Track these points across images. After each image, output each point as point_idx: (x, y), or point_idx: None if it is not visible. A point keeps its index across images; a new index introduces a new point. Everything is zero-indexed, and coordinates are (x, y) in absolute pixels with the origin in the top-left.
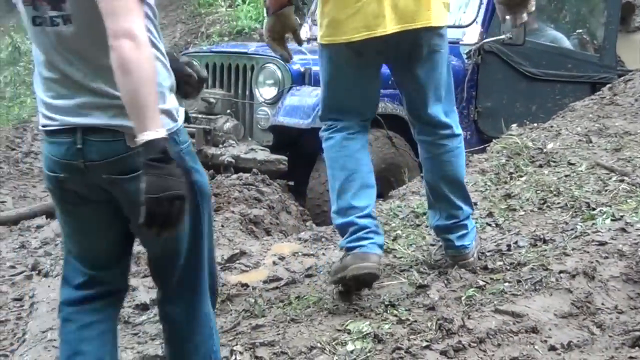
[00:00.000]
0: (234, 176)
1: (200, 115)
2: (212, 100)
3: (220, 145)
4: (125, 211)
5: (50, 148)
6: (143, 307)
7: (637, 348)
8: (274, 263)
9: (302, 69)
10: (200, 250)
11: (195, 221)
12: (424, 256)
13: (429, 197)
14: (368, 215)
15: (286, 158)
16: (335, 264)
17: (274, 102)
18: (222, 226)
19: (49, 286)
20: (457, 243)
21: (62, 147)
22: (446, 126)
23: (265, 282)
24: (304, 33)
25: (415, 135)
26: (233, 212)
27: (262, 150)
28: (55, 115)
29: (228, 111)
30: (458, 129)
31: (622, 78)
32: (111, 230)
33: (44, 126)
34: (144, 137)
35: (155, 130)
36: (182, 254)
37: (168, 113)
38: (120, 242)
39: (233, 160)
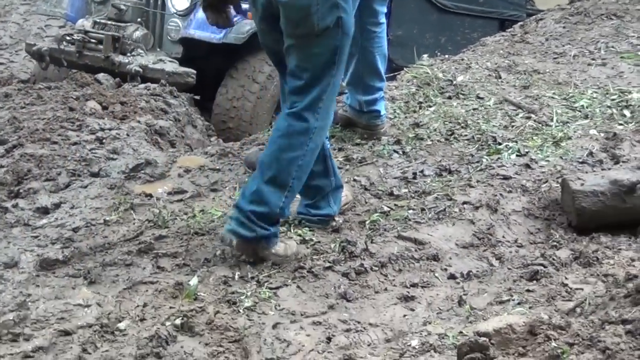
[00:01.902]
0: (142, 86)
1: (109, 22)
2: (122, 7)
3: (129, 54)
4: None
5: None
6: (44, 211)
7: (534, 281)
8: (180, 175)
9: None
10: (333, 78)
11: (333, 52)
12: None
13: None
14: None
15: (194, 71)
16: None
17: (186, 14)
18: (128, 135)
19: None
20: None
21: None
22: None
23: (170, 193)
24: None
25: None
26: (139, 121)
27: (170, 62)
28: None
29: (139, 19)
30: None
31: (533, 17)
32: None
33: None
34: None
35: None
36: (318, 77)
37: None
38: None
39: (140, 70)
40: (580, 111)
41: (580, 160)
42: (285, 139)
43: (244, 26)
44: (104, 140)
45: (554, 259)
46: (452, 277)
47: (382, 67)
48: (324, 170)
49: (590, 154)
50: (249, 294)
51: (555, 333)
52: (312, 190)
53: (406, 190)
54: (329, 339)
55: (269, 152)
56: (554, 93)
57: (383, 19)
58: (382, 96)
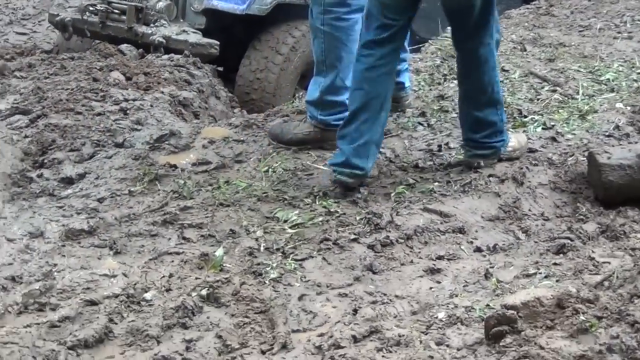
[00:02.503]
0: (165, 57)
1: None
2: None
3: (152, 25)
4: None
5: None
6: (69, 181)
7: (561, 255)
8: (204, 147)
9: None
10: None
11: None
12: None
13: None
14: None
15: (218, 42)
16: (310, 136)
17: None
18: (151, 106)
19: None
20: None
21: None
22: None
23: (194, 164)
24: None
25: None
26: (162, 92)
27: (194, 32)
28: None
29: None
30: None
31: None
32: None
33: None
34: None
35: None
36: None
37: None
38: None
39: (164, 41)
40: (606, 84)
41: (607, 133)
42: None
43: None
44: (127, 111)
45: (580, 233)
46: (478, 250)
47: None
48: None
49: (617, 127)
50: (274, 265)
51: (583, 306)
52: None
53: (431, 162)
54: (355, 311)
55: (479, 81)
56: (579, 66)
57: None
58: (407, 68)
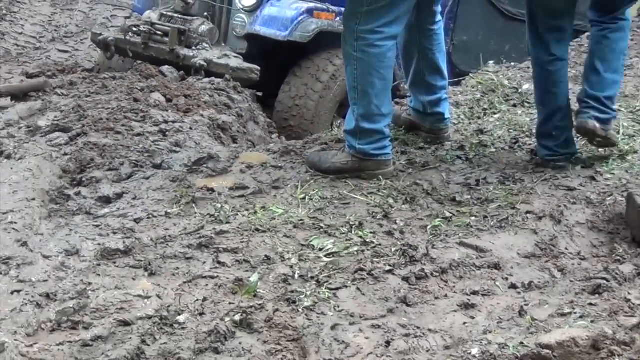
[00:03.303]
0: (206, 80)
1: (176, 15)
2: (190, 0)
3: (194, 48)
4: None
5: None
6: (106, 200)
7: (596, 295)
8: (242, 171)
9: None
10: None
11: None
12: (391, 181)
13: None
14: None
15: (259, 68)
16: (348, 165)
17: (253, 10)
18: (191, 128)
19: (11, 168)
20: None
21: None
22: None
23: (231, 189)
24: None
25: None
26: (202, 115)
27: (235, 57)
28: None
29: (205, 14)
30: None
31: None
32: None
33: None
34: None
35: None
36: None
37: None
38: None
39: (205, 64)
40: None
41: None
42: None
43: (310, 25)
44: (167, 133)
45: (617, 274)
46: (513, 286)
47: (443, 64)
48: None
49: None
50: (308, 293)
51: (619, 349)
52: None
53: (469, 196)
54: (387, 343)
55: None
56: (620, 105)
57: (439, 17)
58: (446, 97)
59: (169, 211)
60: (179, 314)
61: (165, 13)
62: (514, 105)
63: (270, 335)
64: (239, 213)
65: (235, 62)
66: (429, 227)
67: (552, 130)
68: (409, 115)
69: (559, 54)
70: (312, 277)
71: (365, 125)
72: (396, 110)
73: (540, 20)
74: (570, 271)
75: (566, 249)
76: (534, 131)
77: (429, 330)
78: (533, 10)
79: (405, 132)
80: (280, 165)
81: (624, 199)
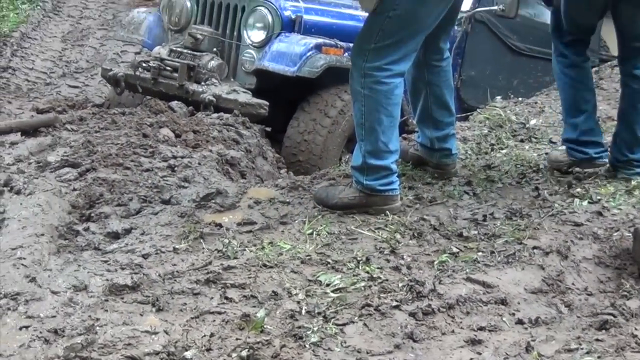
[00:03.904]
0: (215, 115)
1: (185, 51)
2: (199, 36)
3: (203, 83)
4: None
5: None
6: (114, 236)
7: (603, 331)
8: (250, 207)
9: (293, 16)
10: None
11: None
12: (398, 216)
13: None
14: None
15: (267, 103)
16: (355, 201)
17: (262, 46)
18: (199, 164)
19: (20, 204)
20: None
21: None
22: None
23: (239, 224)
24: None
25: None
26: (211, 151)
27: (244, 92)
28: None
29: (214, 49)
30: None
31: (608, 63)
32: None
33: None
34: None
35: None
36: None
37: None
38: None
39: (214, 99)
40: None
41: None
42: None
43: (318, 60)
44: (175, 168)
45: (624, 309)
46: (520, 322)
47: (450, 101)
48: None
49: None
50: (315, 329)
51: None
52: None
53: (476, 232)
54: None
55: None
56: None
57: (447, 54)
58: (454, 133)
59: (177, 247)
60: (186, 350)
61: (174, 49)
62: (521, 141)
63: None
64: (246, 248)
65: (244, 97)
66: (436, 263)
67: None
68: (416, 151)
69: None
70: (319, 313)
71: (373, 161)
72: (404, 145)
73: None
74: (577, 307)
75: (573, 284)
76: (541, 166)
77: None
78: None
79: (413, 167)
80: (288, 200)
81: (630, 235)
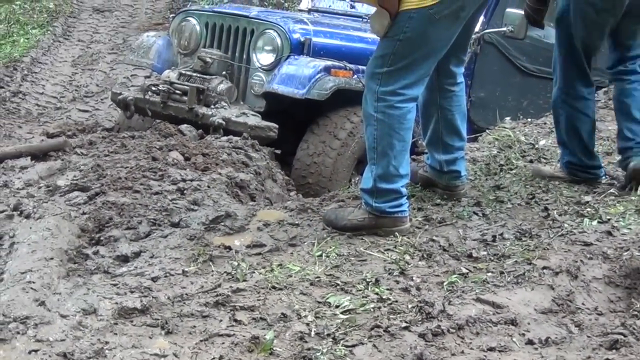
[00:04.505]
0: (224, 138)
1: (195, 74)
2: (208, 60)
3: (212, 106)
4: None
5: None
6: (124, 259)
7: (614, 351)
8: (259, 229)
9: (302, 39)
10: None
11: None
12: (408, 238)
13: None
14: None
15: (277, 126)
16: (365, 222)
17: (271, 68)
18: (209, 187)
19: (30, 228)
20: None
21: None
22: None
23: (248, 246)
24: (305, 3)
25: None
26: (220, 174)
27: (253, 115)
28: None
29: (223, 73)
30: None
31: None
32: None
33: None
34: None
35: None
36: None
37: None
38: None
39: (223, 122)
40: None
41: None
42: None
43: (327, 82)
44: (185, 191)
45: (634, 329)
46: (530, 342)
47: (462, 126)
48: None
49: None
50: (324, 350)
51: None
52: None
53: (485, 252)
54: None
55: None
56: None
57: (461, 79)
58: (463, 156)
59: (186, 269)
60: None
61: (184, 72)
62: (531, 161)
63: None
64: (255, 271)
65: (254, 120)
66: (445, 283)
67: None
68: (425, 172)
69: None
70: (329, 335)
71: (383, 185)
72: (413, 166)
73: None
74: (587, 326)
75: (583, 304)
76: (550, 187)
77: None
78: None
79: (422, 189)
80: (297, 222)
81: None
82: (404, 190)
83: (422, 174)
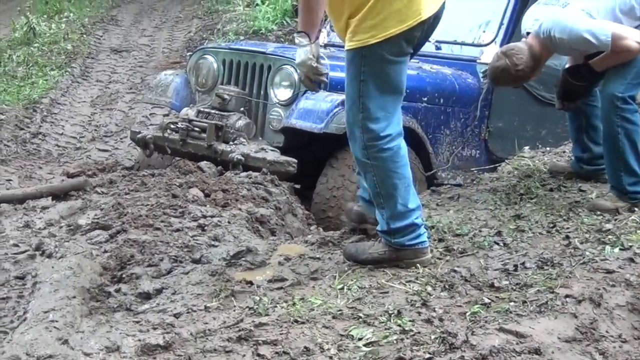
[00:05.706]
0: (244, 174)
1: (213, 111)
2: (226, 96)
3: (231, 142)
4: None
5: None
6: (146, 296)
7: None
8: (280, 263)
9: None
10: None
11: None
12: (429, 269)
13: None
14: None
15: (296, 160)
16: (385, 255)
17: (288, 104)
18: (229, 222)
19: (52, 267)
20: None
21: None
22: None
23: (270, 281)
24: (321, 38)
25: None
26: (240, 209)
27: (272, 150)
28: None
29: (241, 109)
30: None
31: None
32: None
33: None
34: None
35: None
36: None
37: None
38: None
39: (243, 158)
40: None
41: None
42: None
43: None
44: (205, 227)
45: None
46: None
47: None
48: None
49: None
50: None
51: None
52: None
53: (507, 282)
54: None
55: None
56: None
57: None
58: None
59: (208, 305)
60: None
61: (202, 109)
62: (551, 190)
63: None
64: (277, 305)
65: (273, 155)
66: (468, 314)
67: None
68: (359, 207)
69: None
70: None
71: (397, 224)
72: (351, 205)
73: None
74: (611, 354)
75: (607, 332)
76: (571, 215)
77: None
78: None
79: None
80: (318, 256)
81: None
82: (419, 221)
83: (356, 209)
